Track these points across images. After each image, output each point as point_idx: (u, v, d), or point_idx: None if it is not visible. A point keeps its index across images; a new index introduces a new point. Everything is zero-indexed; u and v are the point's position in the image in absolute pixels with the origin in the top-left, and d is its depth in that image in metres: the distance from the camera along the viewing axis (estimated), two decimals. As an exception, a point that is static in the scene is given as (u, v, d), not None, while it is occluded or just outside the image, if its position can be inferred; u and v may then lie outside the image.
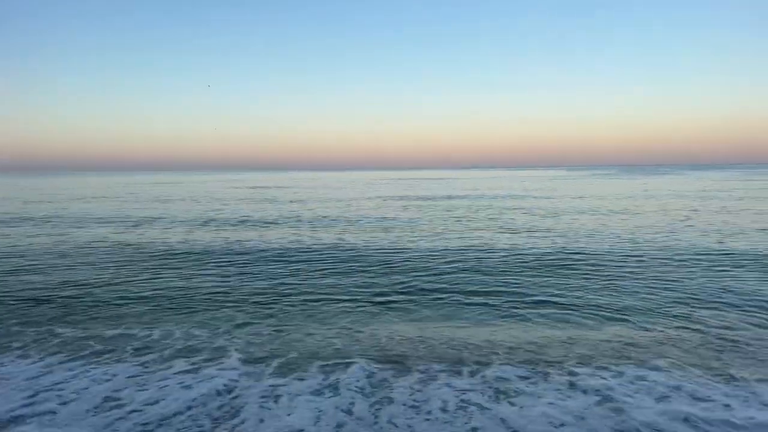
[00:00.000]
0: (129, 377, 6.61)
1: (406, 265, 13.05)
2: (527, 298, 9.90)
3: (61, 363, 7.06)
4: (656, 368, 6.63)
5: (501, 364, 6.86)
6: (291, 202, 35.77)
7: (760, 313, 8.81)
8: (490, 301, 9.75)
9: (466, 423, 5.41)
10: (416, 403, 5.82)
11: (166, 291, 10.83)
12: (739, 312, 8.88)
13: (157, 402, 5.92)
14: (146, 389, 6.26)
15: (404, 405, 5.79)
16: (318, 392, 6.13)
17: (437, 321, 8.74)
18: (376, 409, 5.71)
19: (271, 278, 11.85)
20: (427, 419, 5.49)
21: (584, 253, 14.18)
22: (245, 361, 7.06)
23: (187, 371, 6.76)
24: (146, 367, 6.90)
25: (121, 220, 24.17)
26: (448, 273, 12.08)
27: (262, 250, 15.39)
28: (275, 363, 7.00)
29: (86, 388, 6.29)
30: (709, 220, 21.64)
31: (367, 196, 41.78)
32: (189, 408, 5.78)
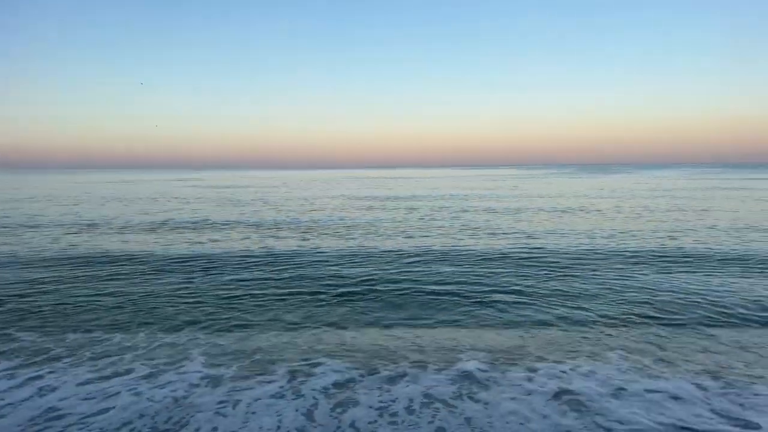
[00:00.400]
0: (80, 384, 6.12)
1: (371, 264, 12.82)
2: (489, 295, 9.84)
3: (12, 370, 6.52)
4: (609, 361, 6.72)
5: (466, 360, 6.77)
6: (253, 200, 35.14)
7: (705, 306, 9.00)
8: (453, 299, 9.64)
9: (430, 422, 5.24)
10: (382, 404, 5.61)
11: (128, 293, 10.25)
12: (686, 305, 9.06)
13: (102, 412, 5.45)
14: (94, 398, 5.78)
15: (370, 407, 5.56)
16: (280, 396, 5.82)
17: (403, 319, 8.56)
18: (339, 413, 5.45)
19: (235, 280, 11.38)
20: (392, 422, 5.28)
21: (544, 250, 14.30)
22: (206, 365, 6.68)
23: (145, 377, 6.33)
24: (101, 373, 6.43)
25: (75, 221, 23.10)
26: (412, 271, 11.91)
27: (225, 251, 14.82)
28: (237, 366, 6.66)
29: (29, 399, 5.78)
30: (660, 218, 22.33)
31: (331, 194, 41.36)
32: (140, 417, 5.36)
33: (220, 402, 5.70)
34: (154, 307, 9.33)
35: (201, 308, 9.26)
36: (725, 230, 18.11)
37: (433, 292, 10.08)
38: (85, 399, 5.78)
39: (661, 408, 5.49)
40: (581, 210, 26.29)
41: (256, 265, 12.81)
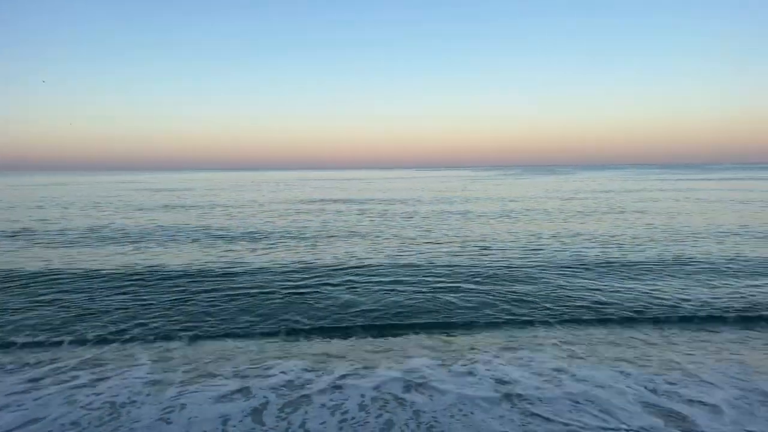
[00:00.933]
0: (12, 393, 5.66)
1: (322, 265, 12.67)
2: (436, 294, 9.98)
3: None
4: (545, 355, 6.99)
5: (414, 357, 6.84)
6: (201, 204, 33.96)
7: (633, 304, 9.53)
8: (402, 299, 9.70)
9: (378, 417, 5.21)
10: (333, 403, 5.52)
11: (74, 299, 9.70)
12: (618, 303, 9.56)
13: (30, 424, 5.05)
14: (25, 408, 5.35)
15: (323, 406, 5.46)
16: (228, 398, 5.61)
17: (353, 320, 8.53)
18: (289, 413, 5.30)
19: (183, 284, 10.96)
20: (342, 420, 5.19)
21: (490, 249, 14.61)
22: (153, 371, 6.36)
23: (85, 384, 5.94)
24: (40, 382, 5.98)
25: (9, 226, 21.85)
26: (362, 273, 11.88)
27: (173, 255, 14.28)
28: (185, 370, 6.38)
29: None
30: (600, 218, 23.35)
31: (282, 198, 40.63)
32: (73, 427, 5.00)
33: (165, 407, 5.39)
34: (102, 313, 8.82)
35: (149, 313, 8.82)
36: (660, 230, 19.07)
37: (381, 293, 10.10)
38: (15, 410, 5.34)
39: (588, 396, 5.76)
40: (527, 210, 27.16)
41: (204, 269, 12.42)
